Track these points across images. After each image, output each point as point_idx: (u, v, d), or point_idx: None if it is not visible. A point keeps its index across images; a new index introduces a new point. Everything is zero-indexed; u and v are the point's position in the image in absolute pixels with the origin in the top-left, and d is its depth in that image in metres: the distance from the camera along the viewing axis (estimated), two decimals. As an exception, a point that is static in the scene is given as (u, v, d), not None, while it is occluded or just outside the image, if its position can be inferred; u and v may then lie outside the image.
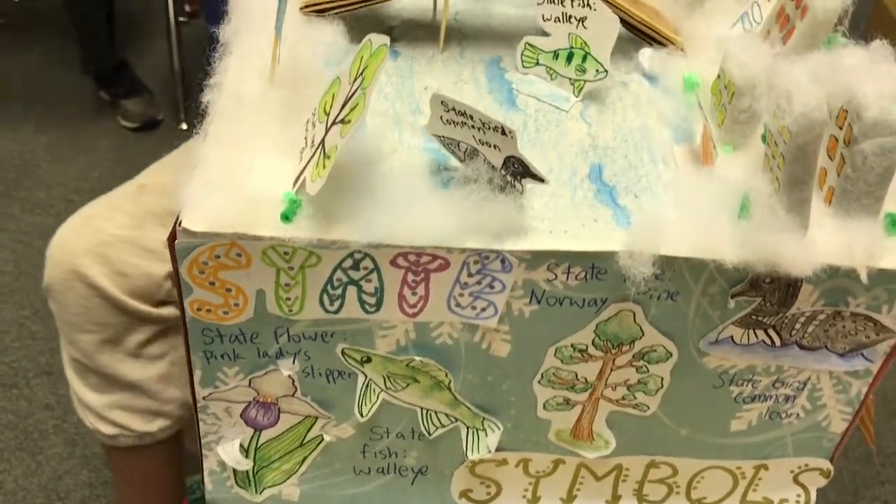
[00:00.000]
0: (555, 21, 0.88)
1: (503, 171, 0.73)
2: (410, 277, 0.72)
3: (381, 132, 0.82)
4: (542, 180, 0.72)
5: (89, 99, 2.46)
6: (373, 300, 0.74)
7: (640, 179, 0.80)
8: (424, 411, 0.82)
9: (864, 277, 0.72)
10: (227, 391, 0.80)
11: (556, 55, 0.90)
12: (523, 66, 0.92)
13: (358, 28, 0.93)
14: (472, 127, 0.72)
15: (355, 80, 0.68)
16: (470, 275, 0.72)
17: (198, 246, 0.69)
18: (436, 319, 0.76)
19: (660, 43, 0.95)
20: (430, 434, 0.84)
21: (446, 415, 0.83)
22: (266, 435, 0.84)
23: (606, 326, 0.77)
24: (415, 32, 0.96)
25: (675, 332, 0.78)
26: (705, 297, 0.75)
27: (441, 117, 0.73)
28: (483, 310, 0.75)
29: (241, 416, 0.82)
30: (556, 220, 0.74)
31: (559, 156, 0.82)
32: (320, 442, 0.85)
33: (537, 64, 0.91)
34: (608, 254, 0.71)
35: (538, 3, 0.89)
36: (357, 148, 0.77)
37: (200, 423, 0.83)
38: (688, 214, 0.73)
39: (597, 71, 0.87)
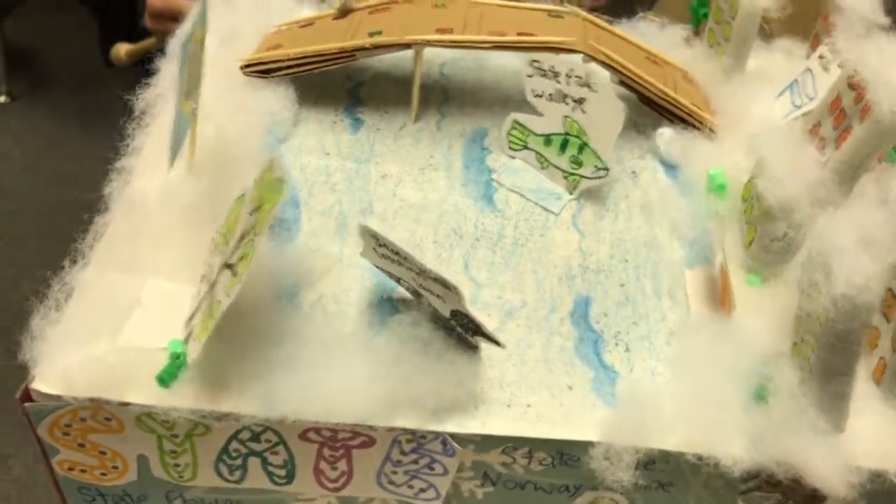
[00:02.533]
0: (547, 99, 0.71)
1: (453, 323, 0.57)
2: (327, 452, 0.57)
3: (318, 241, 0.66)
4: (496, 343, 0.55)
5: None
6: (282, 472, 0.59)
7: (638, 322, 0.63)
8: (358, 581, 0.68)
9: (919, 491, 0.54)
10: (121, 548, 0.66)
11: (547, 140, 0.72)
12: (510, 149, 0.75)
13: (313, 90, 0.77)
14: (410, 270, 0.56)
15: (252, 213, 0.52)
16: (403, 453, 0.57)
17: (56, 409, 0.54)
18: (364, 495, 0.60)
19: (683, 120, 0.77)
20: None
21: (386, 584, 0.68)
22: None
23: (581, 512, 0.61)
24: (387, 92, 0.79)
25: (668, 522, 0.62)
26: (707, 491, 0.59)
27: (374, 249, 0.57)
28: (422, 490, 0.59)
29: (139, 571, 0.68)
30: (519, 386, 0.58)
31: (538, 281, 0.65)
32: None
33: (526, 147, 0.74)
34: (581, 444, 0.55)
35: (527, 76, 0.71)
36: (272, 271, 0.61)
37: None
38: (688, 392, 0.56)
39: (596, 167, 0.70)
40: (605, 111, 0.68)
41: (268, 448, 0.57)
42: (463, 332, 0.57)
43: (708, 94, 0.80)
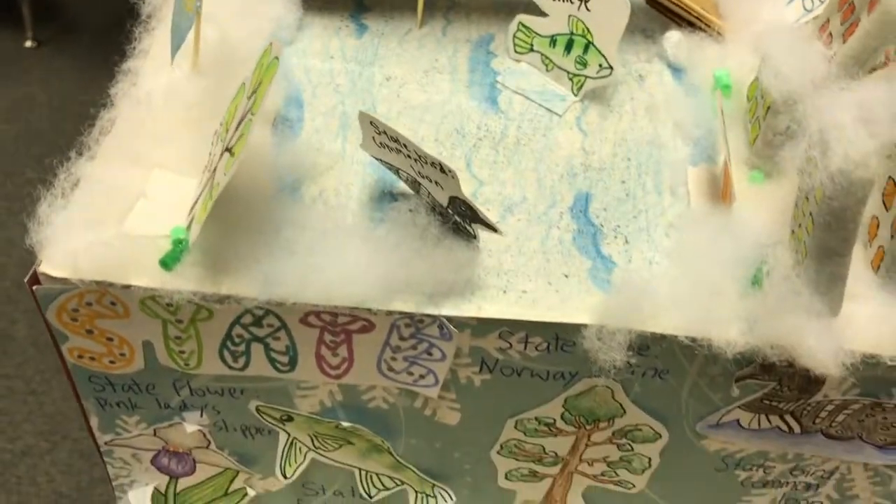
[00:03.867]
0: (553, -1, 0.71)
1: (450, 211, 0.57)
2: (328, 338, 0.58)
3: (321, 139, 0.66)
4: (493, 230, 0.56)
5: None
6: (285, 359, 0.60)
7: (637, 216, 0.63)
8: (363, 472, 0.69)
9: (913, 375, 0.55)
10: (131, 438, 0.68)
11: (553, 41, 0.72)
12: (515, 52, 0.75)
13: (312, 2, 0.77)
14: (409, 157, 0.56)
15: (251, 96, 0.53)
16: (402, 338, 0.58)
17: (63, 292, 0.56)
18: (365, 383, 0.62)
19: (692, 24, 0.76)
20: (370, 497, 0.71)
21: (390, 477, 0.70)
22: (184, 482, 0.72)
23: (578, 402, 0.62)
24: (393, -1, 0.79)
25: (664, 412, 0.62)
26: (703, 378, 0.59)
27: (373, 139, 0.58)
28: (422, 377, 0.60)
29: (151, 462, 0.71)
30: (516, 275, 0.59)
31: (539, 179, 0.65)
32: (245, 494, 0.73)
33: (531, 50, 0.74)
34: (574, 326, 0.56)
35: (534, -24, 0.71)
36: (275, 166, 0.62)
37: (108, 467, 0.71)
38: (685, 279, 0.57)
39: (600, 66, 0.70)
40: (610, 8, 0.68)
41: (270, 333, 0.58)
42: (461, 220, 0.57)
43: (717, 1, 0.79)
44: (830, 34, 0.67)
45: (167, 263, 0.54)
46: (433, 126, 0.68)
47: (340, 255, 0.56)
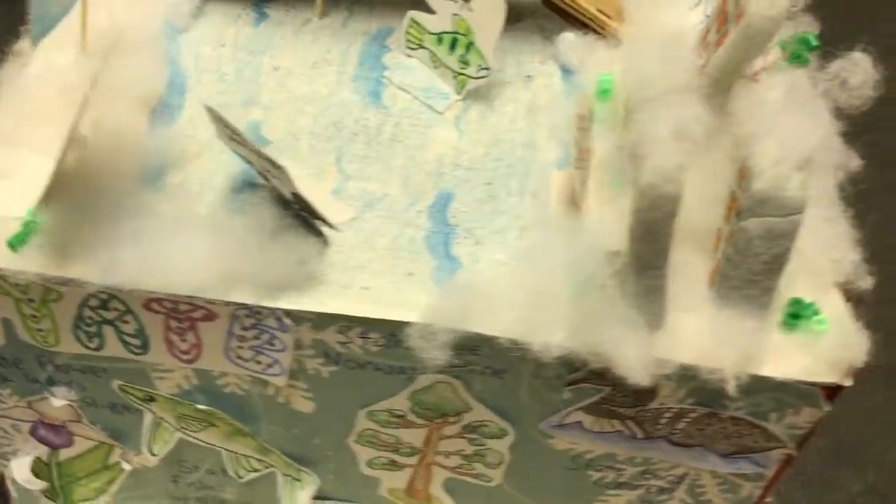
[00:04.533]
0: (440, -4, 0.71)
1: (295, 206, 0.58)
2: (174, 324, 0.60)
3: (195, 127, 0.68)
4: (329, 226, 0.57)
5: None
6: (137, 342, 0.62)
7: (495, 218, 0.64)
8: (231, 454, 0.71)
9: (731, 389, 0.55)
10: (8, 409, 0.70)
11: (440, 39, 0.73)
12: (407, 47, 0.75)
13: None
14: (251, 150, 0.57)
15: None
16: (245, 328, 0.60)
17: (-83, 267, 0.58)
18: (216, 369, 0.63)
19: (586, 26, 0.76)
20: (240, 478, 0.73)
21: (257, 459, 0.71)
22: (65, 454, 0.75)
23: (424, 396, 0.63)
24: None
25: (507, 409, 0.64)
26: (538, 380, 0.61)
27: (223, 131, 0.59)
28: (269, 366, 0.62)
29: (30, 433, 0.73)
30: (361, 271, 0.60)
31: (406, 176, 0.66)
32: (122, 469, 0.75)
33: (421, 46, 0.74)
34: (402, 324, 0.57)
35: (423, -27, 0.72)
36: (143, 151, 0.64)
37: (-9, 435, 0.74)
38: (521, 282, 0.58)
39: (480, 66, 0.70)
40: (488, 9, 0.68)
41: (117, 317, 0.60)
42: (305, 214, 0.58)
43: (623, 1, 0.79)
44: (707, 44, 0.68)
45: (13, 245, 0.56)
46: (312, 118, 0.69)
47: (184, 245, 0.57)
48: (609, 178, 0.65)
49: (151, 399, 0.67)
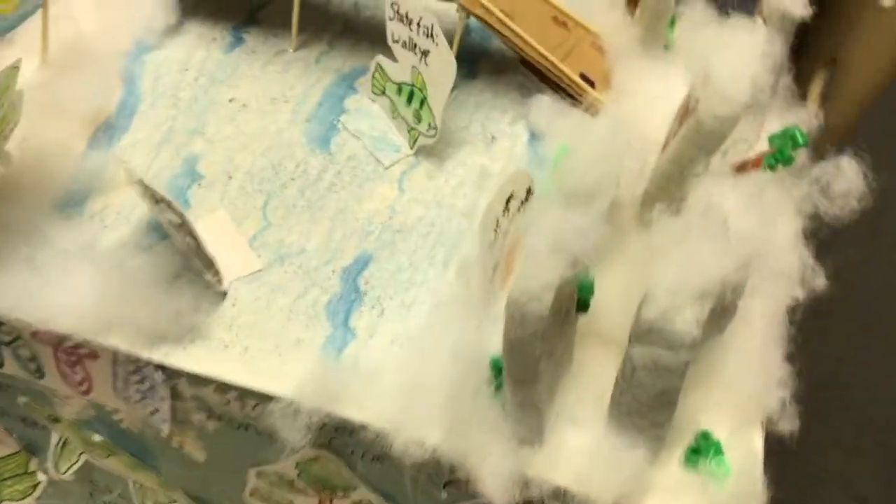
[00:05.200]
0: (402, 45, 0.68)
1: (195, 257, 0.57)
2: (62, 356, 0.59)
3: (134, 153, 0.67)
4: (216, 283, 0.55)
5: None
6: (33, 366, 0.61)
7: (409, 290, 0.61)
8: (137, 485, 0.71)
9: (604, 523, 0.51)
10: (-67, 404, 0.71)
11: (399, 89, 0.70)
12: (372, 92, 0.72)
13: (214, 2, 0.77)
14: (158, 201, 0.56)
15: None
16: (128, 372, 0.58)
17: None
18: (110, 405, 0.62)
19: (562, 90, 0.72)
20: (145, 508, 0.72)
21: (164, 493, 0.70)
22: (-10, 453, 0.75)
23: (310, 467, 0.61)
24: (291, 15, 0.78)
25: (395, 495, 0.60)
26: (421, 472, 0.57)
27: (137, 183, 0.58)
28: (154, 411, 0.60)
29: (-45, 429, 0.74)
30: (249, 330, 0.58)
31: (330, 231, 0.64)
32: (39, 481, 0.75)
33: (384, 94, 0.71)
34: (268, 396, 0.54)
35: (388, 18, 0.68)
36: (71, 174, 0.63)
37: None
38: (411, 371, 0.54)
39: (429, 125, 0.67)
40: (441, 68, 0.65)
41: (12, 341, 0.60)
42: (201, 264, 0.56)
43: (614, 67, 0.74)
44: (670, 135, 0.63)
45: None
46: (252, 156, 0.67)
47: (74, 279, 0.56)
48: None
49: (56, 420, 0.66)
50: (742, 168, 0.65)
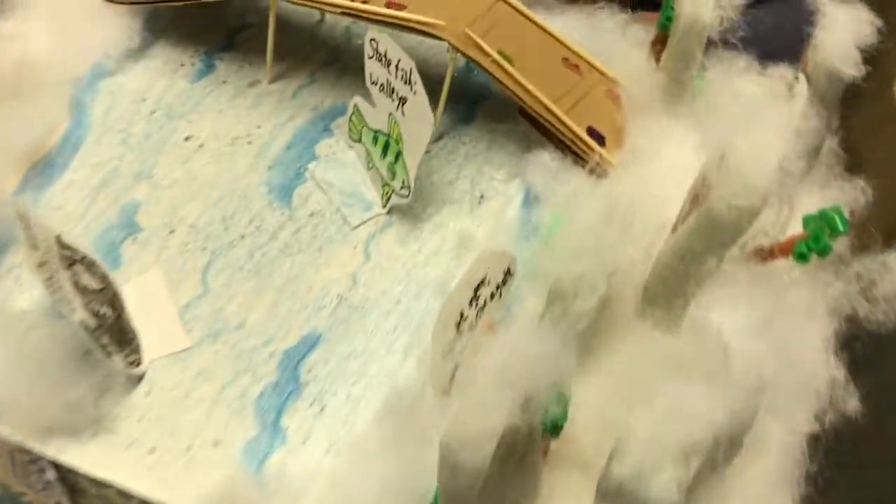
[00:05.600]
0: (380, 89, 0.59)
1: (105, 335, 0.48)
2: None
3: (68, 197, 0.59)
4: (131, 366, 0.47)
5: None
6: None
7: (359, 382, 0.52)
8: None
9: None
10: None
11: (375, 138, 0.60)
12: (350, 137, 0.64)
13: (191, 22, 0.69)
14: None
15: None
16: (26, 461, 0.50)
17: None
18: (13, 486, 0.55)
19: (567, 146, 0.62)
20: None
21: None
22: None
23: (230, 579, 0.52)
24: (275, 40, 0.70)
25: None
26: None
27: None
28: (57, 502, 0.52)
29: None
30: (159, 425, 0.49)
31: (277, 303, 0.55)
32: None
33: (360, 140, 0.62)
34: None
35: (368, 56, 0.59)
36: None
37: None
38: (331, 488, 0.45)
39: (403, 183, 0.58)
40: (418, 121, 0.55)
41: None
42: (111, 342, 0.48)
43: (630, 121, 0.64)
44: (679, 220, 0.53)
45: None
46: (201, 207, 0.59)
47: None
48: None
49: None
50: (765, 255, 0.55)
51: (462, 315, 0.48)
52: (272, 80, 0.67)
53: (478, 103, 0.68)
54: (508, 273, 0.51)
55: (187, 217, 0.58)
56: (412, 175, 0.56)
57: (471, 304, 0.49)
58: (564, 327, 0.49)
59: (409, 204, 0.60)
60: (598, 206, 0.50)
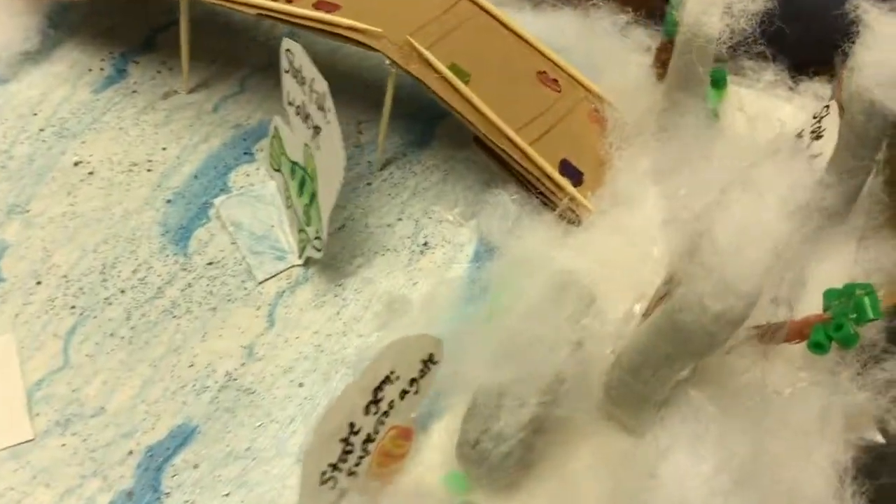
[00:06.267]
0: (296, 112, 0.48)
1: None
2: None
3: (-80, 237, 0.49)
4: None
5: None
6: None
7: (235, 492, 0.41)
8: None
9: None
10: None
11: (293, 170, 0.49)
12: (270, 164, 0.52)
13: (106, 20, 0.58)
14: None
15: None
16: None
17: None
18: None
19: (531, 184, 0.50)
20: None
21: None
22: None
23: None
24: (200, 42, 0.59)
25: None
26: None
27: None
28: None
29: None
30: (-20, 543, 0.39)
31: (150, 382, 0.44)
32: None
33: (280, 170, 0.51)
34: None
35: (284, 70, 0.48)
36: None
37: None
38: None
39: (317, 233, 0.46)
40: (330, 159, 0.44)
41: None
42: None
43: (616, 149, 0.52)
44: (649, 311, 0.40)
45: None
46: (79, 252, 0.49)
47: None
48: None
49: None
50: (771, 337, 0.42)
51: (353, 427, 0.37)
52: (191, 90, 0.56)
53: (438, 122, 0.56)
54: (431, 361, 0.40)
55: (60, 265, 0.48)
56: (325, 225, 0.45)
57: (368, 411, 0.37)
58: (485, 452, 0.37)
59: (334, 252, 0.48)
60: (546, 281, 0.39)
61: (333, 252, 0.48)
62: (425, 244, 0.50)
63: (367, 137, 0.55)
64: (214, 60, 0.58)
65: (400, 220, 0.51)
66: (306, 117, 0.46)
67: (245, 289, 0.48)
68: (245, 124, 0.55)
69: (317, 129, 0.45)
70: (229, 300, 0.47)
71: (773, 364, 0.42)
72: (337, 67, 0.57)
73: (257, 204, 0.51)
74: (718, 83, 0.56)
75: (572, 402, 0.39)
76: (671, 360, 0.35)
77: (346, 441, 0.36)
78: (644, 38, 0.57)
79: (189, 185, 0.52)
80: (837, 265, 0.48)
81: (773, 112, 0.56)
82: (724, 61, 0.56)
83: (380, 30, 0.48)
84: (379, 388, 0.37)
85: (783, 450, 0.36)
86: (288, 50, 0.47)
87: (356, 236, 0.50)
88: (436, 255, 0.49)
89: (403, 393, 0.39)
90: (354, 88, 0.56)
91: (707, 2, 0.46)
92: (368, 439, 0.38)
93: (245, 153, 0.53)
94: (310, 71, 0.44)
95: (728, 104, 0.57)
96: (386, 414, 0.38)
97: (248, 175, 0.52)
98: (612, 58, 0.56)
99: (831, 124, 0.46)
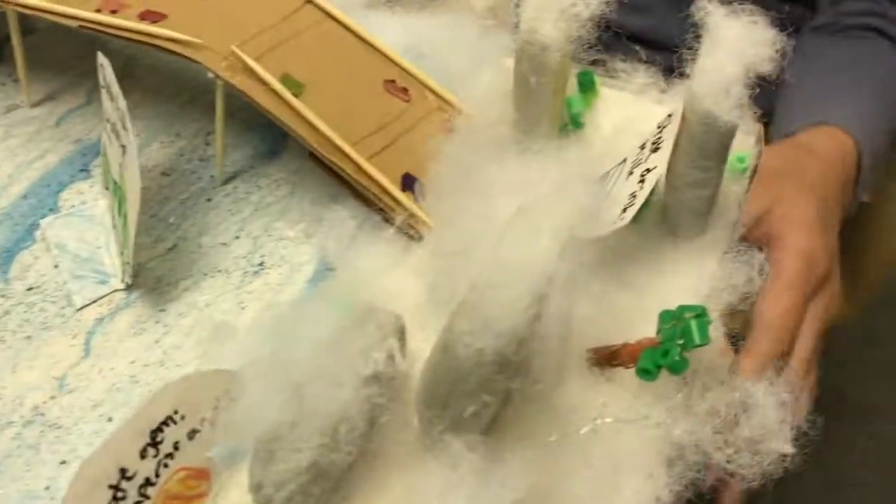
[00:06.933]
0: (111, 128, 0.45)
1: None
2: None
3: None
4: None
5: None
6: None
7: (22, 540, 0.39)
8: None
9: None
10: None
11: (116, 188, 0.47)
12: (103, 182, 0.50)
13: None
14: None
15: None
16: None
17: None
18: None
19: (371, 202, 0.47)
20: None
21: None
22: None
23: None
24: (50, 52, 0.56)
25: None
26: None
27: None
28: None
29: None
30: None
31: (-49, 417, 0.42)
32: None
33: (108, 188, 0.49)
34: None
35: (101, 85, 0.45)
36: None
37: None
38: None
39: (124, 265, 0.44)
40: (132, 179, 0.41)
41: None
42: None
43: (464, 160, 0.49)
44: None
45: None
46: None
47: None
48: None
49: None
50: (603, 358, 0.40)
51: (124, 473, 0.35)
52: (36, 103, 0.54)
53: (288, 135, 0.53)
54: (226, 397, 0.38)
55: None
56: (130, 251, 0.42)
57: (145, 454, 0.35)
58: (268, 497, 0.35)
59: (160, 275, 0.46)
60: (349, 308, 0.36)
61: (160, 274, 0.46)
62: (261, 264, 0.47)
63: (213, 150, 0.52)
64: (64, 71, 0.56)
65: (237, 238, 0.49)
66: (117, 136, 0.44)
67: (63, 316, 0.45)
68: (86, 139, 0.53)
69: (123, 149, 0.42)
70: (45, 328, 0.45)
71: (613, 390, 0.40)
72: (184, 76, 0.55)
73: (85, 224, 0.48)
74: (585, 86, 0.54)
75: (383, 435, 0.37)
76: (454, 397, 0.33)
77: (116, 487, 0.34)
78: (509, 43, 0.54)
79: (17, 206, 0.49)
80: (692, 281, 0.46)
81: (642, 117, 0.53)
82: (600, 63, 0.53)
83: (200, 41, 0.46)
84: (158, 430, 0.35)
85: (585, 490, 0.34)
86: (101, 64, 0.44)
87: (186, 257, 0.47)
88: (270, 277, 0.47)
89: (193, 432, 0.37)
90: (205, 97, 0.54)
91: (540, 7, 0.43)
92: (147, 483, 0.35)
93: (82, 170, 0.51)
94: (115, 87, 0.42)
95: (597, 108, 0.54)
96: (170, 456, 0.36)
97: (81, 193, 0.50)
98: (473, 65, 0.54)
99: (670, 135, 0.44)
